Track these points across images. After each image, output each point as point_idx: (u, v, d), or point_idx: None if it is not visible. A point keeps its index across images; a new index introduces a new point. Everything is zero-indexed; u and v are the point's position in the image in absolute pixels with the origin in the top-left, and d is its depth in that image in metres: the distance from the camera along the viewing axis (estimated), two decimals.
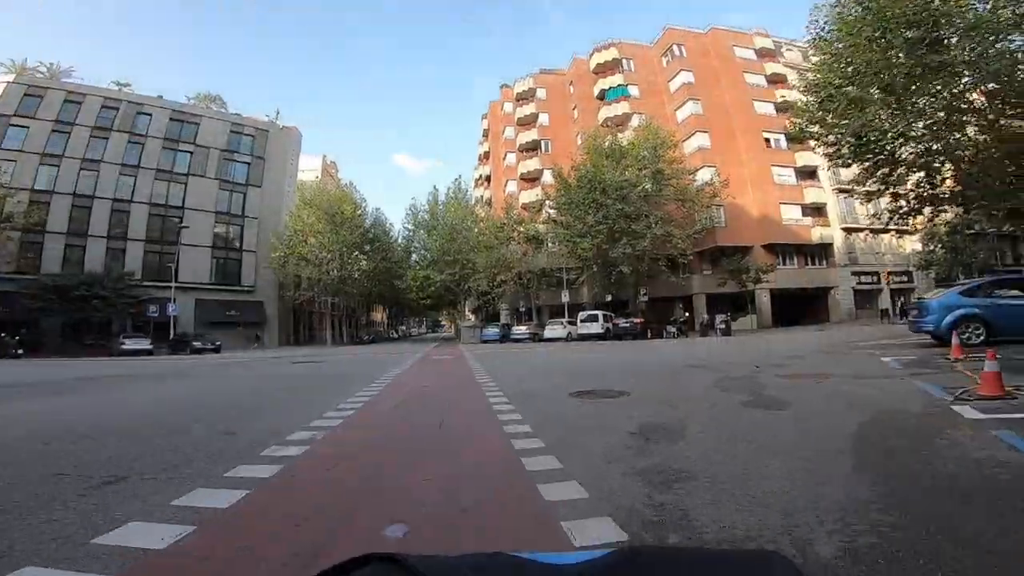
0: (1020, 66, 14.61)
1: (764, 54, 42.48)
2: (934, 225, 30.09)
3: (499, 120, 53.70)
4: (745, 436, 4.00)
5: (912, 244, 41.20)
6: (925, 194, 19.56)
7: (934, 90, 15.78)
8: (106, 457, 3.88)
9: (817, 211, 38.96)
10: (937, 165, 18.93)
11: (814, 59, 20.50)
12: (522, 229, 38.74)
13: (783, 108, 39.67)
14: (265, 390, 8.54)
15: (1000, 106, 16.36)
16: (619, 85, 43.90)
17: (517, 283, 38.38)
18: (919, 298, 12.75)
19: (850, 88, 16.15)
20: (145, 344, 28.17)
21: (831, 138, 19.88)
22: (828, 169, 37.98)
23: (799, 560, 1.84)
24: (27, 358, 25.28)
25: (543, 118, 48.53)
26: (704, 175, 34.52)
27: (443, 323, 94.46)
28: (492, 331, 33.96)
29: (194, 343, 29.37)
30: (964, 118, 16.95)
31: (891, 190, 19.73)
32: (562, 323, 30.98)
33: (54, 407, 7.22)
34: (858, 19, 16.21)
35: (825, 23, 18.44)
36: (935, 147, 18.35)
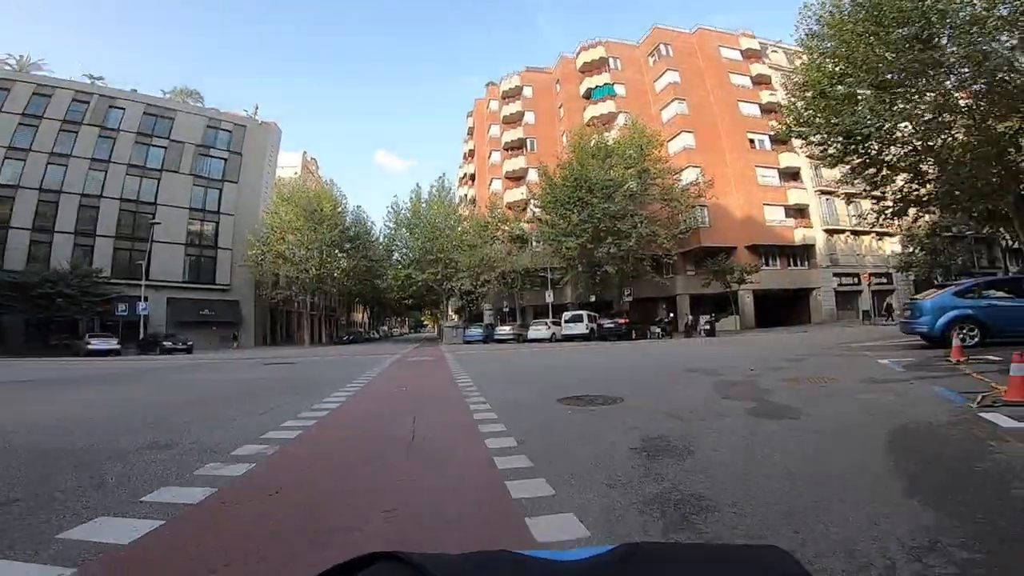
0: (1013, 66, 14.47)
1: (750, 55, 42.53)
2: (916, 227, 30.29)
3: (484, 118, 53.08)
4: (764, 452, 3.48)
5: (892, 246, 41.63)
6: (912, 195, 19.48)
7: (924, 88, 15.63)
8: None
9: (800, 212, 39.08)
10: (924, 167, 18.88)
11: (803, 58, 20.34)
12: (506, 228, 38.20)
13: (768, 109, 39.80)
14: (225, 395, 7.83)
15: (988, 106, 16.27)
16: (605, 84, 43.60)
17: (501, 283, 37.81)
18: (912, 299, 12.48)
19: (840, 87, 15.87)
20: (112, 344, 26.95)
21: (818, 138, 19.75)
22: (816, 167, 38.29)
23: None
24: None
25: (529, 116, 48.03)
26: (689, 175, 34.33)
27: (426, 323, 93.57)
28: (475, 331, 33.34)
29: (164, 343, 28.19)
30: (952, 118, 16.85)
31: (878, 190, 19.63)
32: (546, 323, 30.49)
33: None
34: (850, 15, 16.00)
35: (816, 20, 18.28)
36: (921, 146, 18.28)
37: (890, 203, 19.92)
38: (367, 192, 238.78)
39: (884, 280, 40.05)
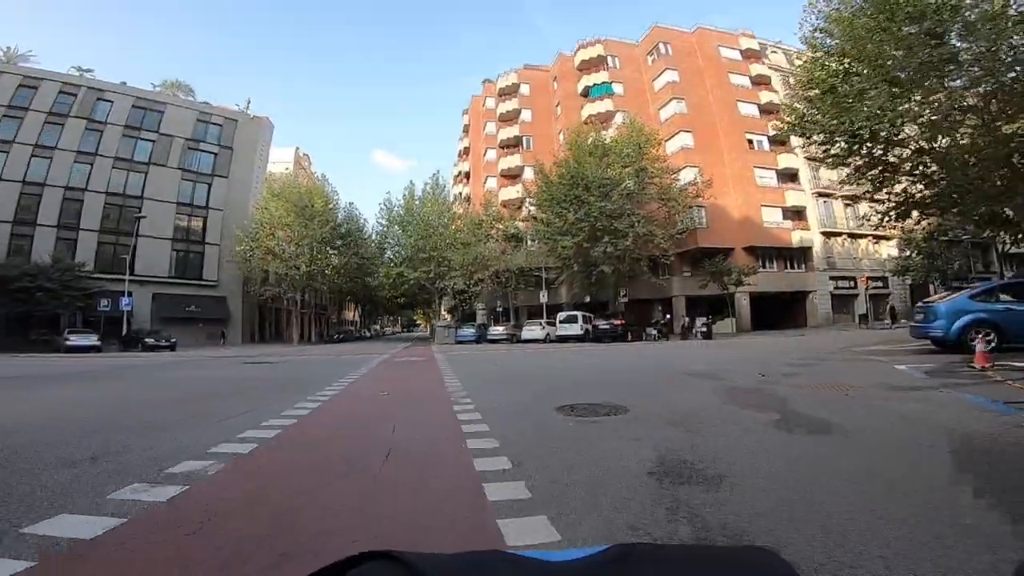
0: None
1: (749, 55, 42.16)
2: (916, 230, 29.91)
3: (480, 115, 52.49)
4: (806, 475, 2.88)
5: (889, 250, 41.37)
6: (917, 196, 19.02)
7: (935, 87, 15.15)
8: None
9: (797, 214, 38.73)
10: (929, 169, 18.42)
11: (806, 56, 19.86)
12: (501, 226, 37.57)
13: (767, 110, 39.51)
14: (190, 397, 7.15)
15: (999, 107, 15.83)
16: (604, 82, 43.10)
17: (495, 282, 37.15)
18: (924, 302, 11.96)
19: (856, 77, 15.34)
20: (92, 340, 26.08)
21: (821, 137, 19.27)
22: (814, 169, 37.94)
23: None
24: None
25: (525, 114, 47.46)
26: (687, 175, 33.82)
27: (418, 323, 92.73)
28: (467, 331, 32.70)
29: (146, 340, 27.33)
30: (961, 117, 16.40)
31: (882, 191, 19.16)
32: (540, 324, 29.91)
33: None
34: (861, 10, 15.50)
35: (821, 17, 17.82)
36: (927, 147, 17.84)
37: (894, 205, 19.44)
38: (365, 191, 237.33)
39: (880, 284, 39.78)
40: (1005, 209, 19.43)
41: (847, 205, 40.31)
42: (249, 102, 56.35)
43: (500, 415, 5.05)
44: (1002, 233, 24.22)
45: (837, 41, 17.77)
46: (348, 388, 7.84)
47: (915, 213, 20.90)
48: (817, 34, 18.53)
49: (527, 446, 3.78)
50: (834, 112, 17.22)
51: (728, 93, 39.79)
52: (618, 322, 27.89)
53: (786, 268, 38.11)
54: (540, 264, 34.26)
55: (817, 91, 18.76)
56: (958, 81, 15.75)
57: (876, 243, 41.56)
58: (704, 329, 27.26)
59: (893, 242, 40.40)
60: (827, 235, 39.13)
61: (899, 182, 19.38)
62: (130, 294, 31.46)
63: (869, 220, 21.39)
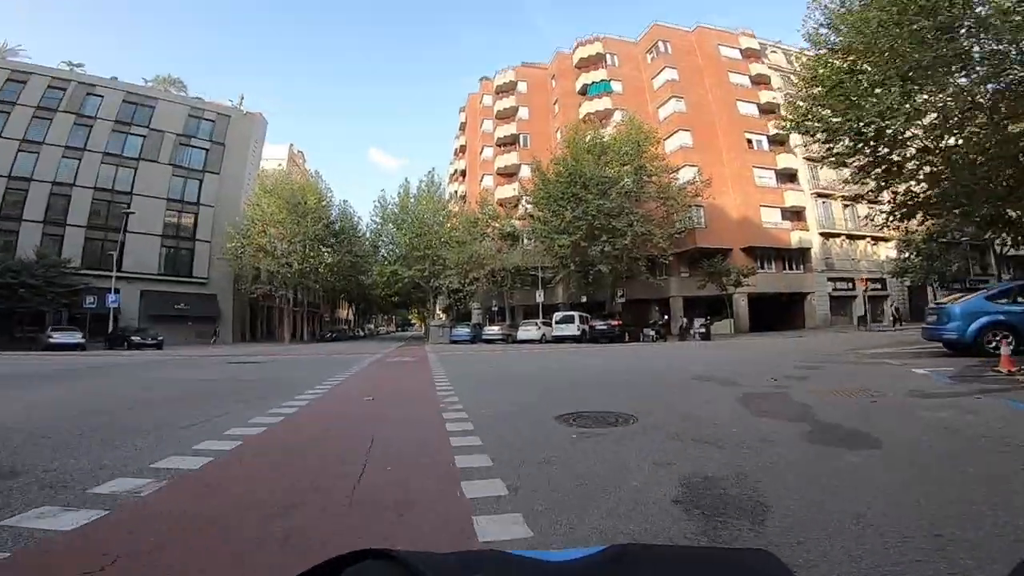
0: None
1: (749, 54, 41.75)
2: (917, 232, 29.57)
3: (477, 113, 51.94)
4: (864, 503, 2.38)
5: (887, 251, 41.07)
6: (922, 195, 18.60)
7: (945, 84, 14.73)
8: None
9: (796, 215, 38.34)
10: (934, 168, 18.02)
11: (808, 53, 19.43)
12: (497, 225, 37.02)
13: (767, 109, 39.15)
14: (157, 400, 6.58)
15: (1008, 105, 15.42)
16: (602, 80, 42.57)
17: (490, 281, 36.59)
18: (938, 303, 11.52)
19: (863, 74, 14.90)
20: (76, 338, 25.36)
21: (824, 135, 18.86)
22: (813, 169, 37.61)
23: None
24: None
25: (523, 112, 46.91)
26: (686, 174, 33.35)
27: (413, 322, 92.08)
28: (462, 331, 32.11)
29: (132, 338, 26.60)
30: (971, 115, 15.99)
31: (887, 191, 18.76)
32: (536, 324, 29.37)
33: None
34: (869, 5, 15.05)
35: (827, 13, 17.42)
36: (933, 145, 17.45)
37: (899, 204, 19.02)
38: (362, 190, 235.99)
39: (878, 286, 39.44)
40: (1008, 210, 19.11)
41: (846, 206, 39.98)
42: (242, 98, 55.58)
43: (494, 425, 4.52)
44: (1004, 235, 23.91)
45: (842, 38, 17.38)
46: (331, 392, 7.29)
47: (919, 214, 20.57)
48: (821, 30, 18.15)
49: (525, 465, 3.26)
50: (841, 109, 16.81)
51: (727, 92, 39.37)
52: (615, 323, 27.40)
53: (784, 269, 37.72)
54: (536, 263, 33.74)
55: (820, 89, 18.38)
56: (964, 79, 15.37)
57: (874, 244, 41.27)
58: (703, 330, 26.78)
59: (891, 244, 40.11)
60: (826, 236, 38.77)
61: (903, 181, 18.99)
62: (117, 291, 30.73)
63: (872, 220, 21.00)
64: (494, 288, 37.77)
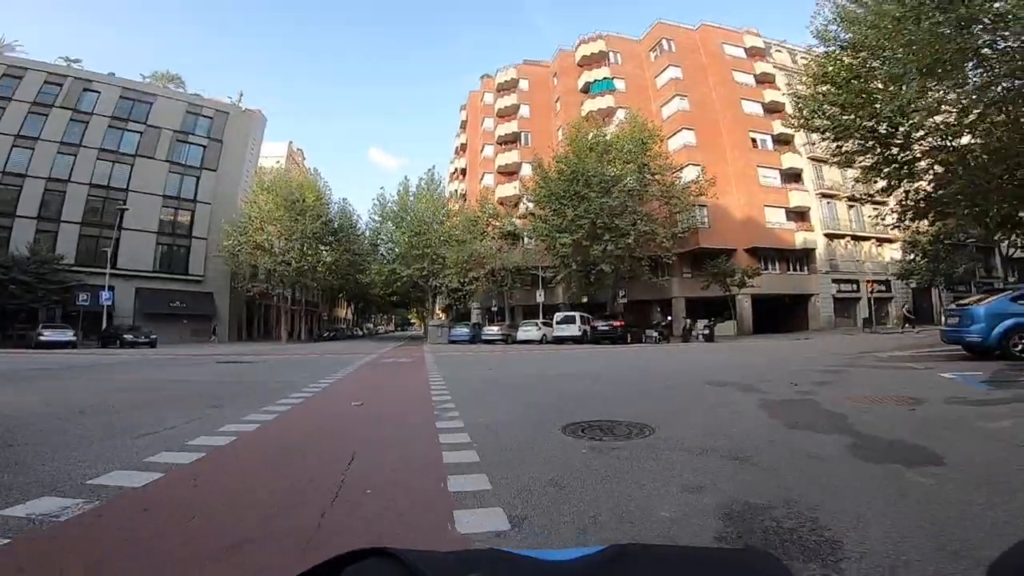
0: None
1: (753, 53, 41.25)
2: (923, 233, 29.07)
3: (478, 111, 51.41)
4: (959, 539, 1.86)
5: (892, 253, 40.54)
6: (936, 195, 18.09)
7: (965, 79, 14.23)
8: None
9: (800, 216, 37.83)
10: (951, 167, 17.50)
11: (819, 50, 18.93)
12: (497, 223, 36.46)
13: (771, 109, 38.65)
14: (124, 403, 6.01)
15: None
16: (605, 78, 42.08)
17: (490, 280, 36.01)
18: (959, 305, 11.00)
19: (874, 72, 14.39)
20: (67, 336, 24.81)
21: (833, 133, 18.37)
22: (823, 167, 37.08)
23: None
24: None
25: (524, 110, 46.40)
26: (689, 173, 32.82)
27: (413, 322, 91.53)
28: (461, 331, 31.55)
29: (125, 336, 26.04)
30: (986, 112, 15.48)
31: (899, 189, 18.25)
32: (536, 324, 28.83)
33: None
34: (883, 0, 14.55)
35: (836, 10, 16.96)
36: (950, 144, 16.95)
37: (912, 204, 18.50)
38: (363, 190, 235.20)
39: (883, 288, 38.88)
40: (1022, 212, 18.62)
41: (851, 207, 39.48)
42: (241, 95, 55.21)
43: (494, 437, 3.99)
44: (1014, 236, 23.41)
45: (852, 34, 16.91)
46: (317, 396, 6.76)
47: (930, 214, 20.06)
48: (831, 27, 17.66)
49: (531, 488, 2.73)
50: (853, 106, 16.31)
51: (732, 91, 38.86)
52: (617, 323, 26.86)
53: (788, 270, 37.21)
54: (537, 263, 33.21)
55: (830, 86, 17.90)
56: (981, 76, 14.88)
57: (879, 246, 40.73)
58: (706, 332, 26.25)
59: (896, 245, 39.59)
60: (830, 237, 38.24)
61: (915, 181, 18.50)
62: (111, 288, 30.18)
63: (884, 219, 20.50)
64: (494, 288, 37.22)
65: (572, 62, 44.64)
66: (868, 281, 35.86)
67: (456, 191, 54.73)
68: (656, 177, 30.14)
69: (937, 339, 12.42)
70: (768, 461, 3.24)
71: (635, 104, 36.72)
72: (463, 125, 58.57)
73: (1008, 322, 9.49)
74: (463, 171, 56.49)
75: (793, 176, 38.15)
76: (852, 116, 16.92)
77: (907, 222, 19.45)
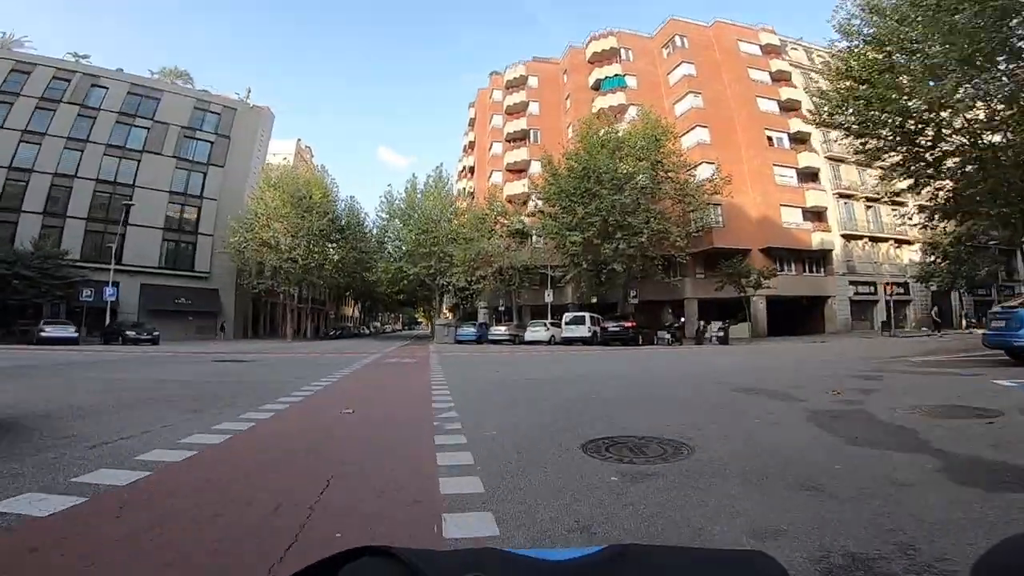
0: None
1: (769, 50, 40.32)
2: (952, 233, 28.08)
3: (487, 108, 50.78)
4: None
5: (910, 254, 39.48)
6: (966, 193, 17.23)
7: (1003, 71, 13.42)
8: None
9: (817, 216, 36.88)
10: (980, 167, 16.65)
11: (840, 45, 18.15)
12: (505, 221, 35.79)
13: (788, 107, 37.77)
14: (90, 406, 5.42)
15: None
16: (616, 75, 41.32)
17: (497, 279, 35.35)
18: (1005, 307, 10.24)
19: (903, 59, 13.61)
20: (69, 332, 24.42)
21: (857, 128, 17.59)
22: (840, 166, 36.17)
23: None
24: None
25: (533, 107, 45.72)
26: (703, 171, 31.97)
27: (420, 321, 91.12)
28: (468, 331, 30.93)
29: (127, 333, 25.64)
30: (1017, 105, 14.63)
31: (927, 187, 17.41)
32: (545, 324, 28.18)
33: None
34: None
35: (859, 4, 16.20)
36: (979, 142, 16.11)
37: (942, 202, 17.64)
38: (372, 188, 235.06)
39: (901, 290, 37.83)
40: None
41: (868, 207, 38.48)
42: (249, 91, 54.75)
43: (501, 457, 3.34)
44: None
45: (875, 29, 16.16)
46: (308, 400, 6.14)
47: (959, 214, 19.19)
48: (854, 21, 16.90)
49: (551, 534, 2.09)
50: (881, 101, 15.50)
51: (747, 88, 37.97)
52: (629, 324, 26.13)
53: (804, 271, 36.26)
54: (545, 262, 32.52)
55: (852, 82, 17.15)
56: (1009, 73, 14.08)
57: (898, 247, 39.69)
58: (720, 334, 25.47)
59: (916, 247, 38.56)
60: (847, 238, 37.23)
61: (944, 179, 17.65)
62: (115, 284, 29.85)
63: (910, 219, 19.66)
64: (501, 287, 36.58)
65: (582, 59, 43.93)
66: (887, 284, 34.84)
67: (464, 189, 54.15)
68: (669, 175, 29.36)
69: (966, 343, 11.70)
70: (846, 490, 2.59)
71: (647, 101, 35.91)
72: (471, 123, 57.97)
73: None
74: (471, 169, 55.88)
75: (810, 175, 37.21)
76: (878, 112, 16.14)
77: (935, 222, 18.58)
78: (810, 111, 20.80)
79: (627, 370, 10.92)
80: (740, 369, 10.73)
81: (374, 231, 43.46)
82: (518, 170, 43.63)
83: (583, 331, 25.75)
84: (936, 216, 18.15)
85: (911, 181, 18.02)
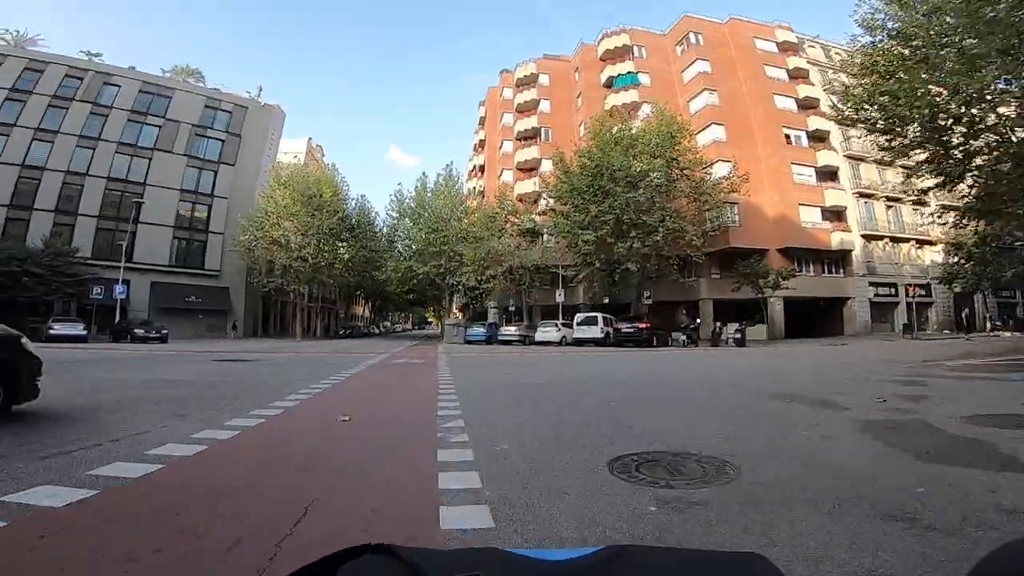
0: None
1: (786, 48, 39.44)
2: (980, 232, 27.11)
3: (497, 107, 50.30)
4: None
5: (932, 255, 38.38)
6: (995, 192, 16.42)
7: None
8: None
9: (837, 215, 35.91)
10: (1009, 166, 15.87)
11: (861, 41, 17.45)
12: (516, 220, 35.27)
13: (806, 105, 36.90)
14: (76, 407, 5.04)
15: None
16: (629, 72, 40.60)
17: (507, 279, 34.82)
18: None
19: (959, 36, 12.91)
20: (78, 329, 24.28)
21: (883, 124, 16.87)
22: (859, 164, 35.25)
23: None
24: None
25: (544, 105, 45.12)
26: (719, 169, 31.23)
27: (430, 320, 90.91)
28: (477, 331, 30.41)
29: (136, 331, 25.46)
30: None
31: (962, 183, 16.61)
32: (556, 325, 27.59)
33: None
34: None
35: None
36: (1015, 137, 15.32)
37: (974, 199, 16.85)
38: (383, 188, 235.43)
39: (922, 292, 36.75)
40: None
41: (889, 207, 37.53)
42: (260, 90, 54.97)
43: (516, 479, 2.83)
44: None
45: (900, 24, 15.47)
46: (303, 404, 5.69)
47: (988, 213, 18.37)
48: (878, 15, 16.21)
49: None
50: (910, 96, 14.78)
51: (763, 86, 37.11)
52: (643, 325, 25.46)
53: (823, 272, 35.34)
54: (557, 261, 31.94)
55: (877, 76, 16.47)
56: None
57: (919, 248, 38.62)
58: (737, 336, 24.79)
59: (938, 247, 37.49)
60: (867, 238, 36.24)
61: (974, 174, 16.87)
62: (126, 282, 29.75)
63: (939, 216, 18.84)
64: (511, 287, 36.06)
65: (594, 56, 43.30)
66: (910, 285, 33.82)
67: (474, 188, 53.73)
68: (685, 172, 28.67)
69: (993, 346, 11.05)
70: (946, 520, 2.08)
71: (661, 99, 35.10)
72: (481, 121, 57.50)
73: None
74: (481, 168, 55.40)
75: (829, 174, 36.27)
76: (906, 107, 15.43)
77: (965, 221, 17.77)
78: (832, 107, 20.06)
79: (645, 374, 10.37)
80: (765, 373, 10.15)
81: (384, 230, 43.16)
82: (529, 168, 43.11)
83: (595, 332, 25.13)
84: (968, 215, 17.33)
85: (939, 179, 17.26)
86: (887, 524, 2.11)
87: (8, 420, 4.24)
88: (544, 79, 46.20)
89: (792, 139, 36.21)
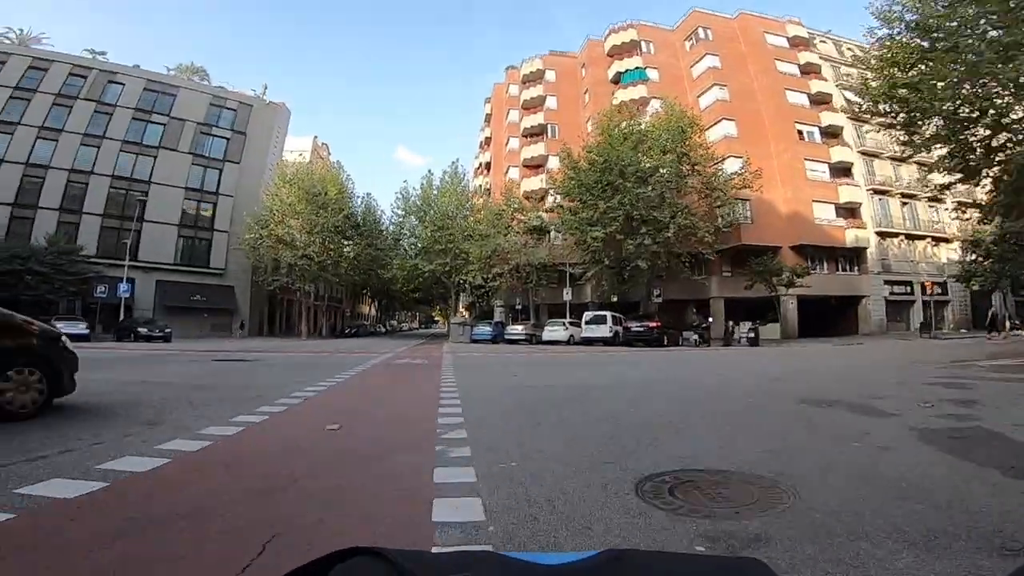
0: None
1: (797, 43, 38.62)
2: (1002, 228, 26.30)
3: (503, 103, 49.81)
4: None
5: (948, 253, 37.50)
6: (1021, 186, 15.74)
7: None
8: None
9: (851, 212, 35.10)
10: None
11: (878, 34, 16.84)
12: (522, 217, 34.75)
13: (818, 100, 36.18)
14: (46, 417, 4.61)
15: None
16: (636, 68, 39.95)
17: (514, 277, 34.30)
18: None
19: (984, 25, 12.33)
20: (79, 328, 23.98)
21: (903, 117, 16.25)
22: (874, 160, 34.45)
23: None
24: None
25: (551, 101, 44.56)
26: (731, 165, 30.54)
27: (436, 319, 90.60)
28: (483, 330, 29.88)
29: (139, 330, 25.20)
30: None
31: (982, 178, 15.96)
32: (563, 324, 27.00)
33: None
34: None
35: None
36: None
37: (1001, 194, 16.18)
38: (390, 187, 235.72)
39: (939, 290, 35.87)
40: None
41: (904, 203, 36.69)
42: (265, 88, 54.67)
43: (526, 508, 2.33)
44: None
45: (918, 15, 14.86)
46: (291, 410, 5.22)
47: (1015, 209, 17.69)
48: (895, 7, 15.60)
49: None
50: (932, 87, 14.17)
51: (775, 81, 36.34)
52: (653, 324, 24.83)
53: (837, 270, 34.57)
54: (564, 259, 31.38)
55: (896, 69, 15.86)
56: None
57: (935, 245, 37.74)
58: (751, 335, 24.16)
59: (955, 244, 36.63)
60: (882, 235, 35.40)
61: (1005, 170, 16.21)
62: (131, 280, 29.56)
63: (963, 212, 18.16)
64: (518, 285, 35.53)
65: (601, 52, 42.69)
66: (928, 283, 32.94)
67: (480, 186, 53.20)
68: (696, 168, 28.04)
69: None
70: None
71: (670, 94, 34.43)
72: (487, 118, 56.99)
73: None
74: (487, 165, 54.92)
75: (843, 170, 35.47)
76: (928, 100, 14.81)
77: (989, 217, 17.10)
78: (848, 101, 19.45)
79: (663, 376, 9.84)
80: (789, 374, 9.60)
81: (390, 228, 42.78)
82: (535, 166, 42.59)
83: (604, 331, 24.57)
84: (993, 210, 16.68)
85: (959, 175, 16.63)
86: (1006, 561, 1.61)
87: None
88: (550, 75, 45.65)
89: (805, 135, 35.46)
